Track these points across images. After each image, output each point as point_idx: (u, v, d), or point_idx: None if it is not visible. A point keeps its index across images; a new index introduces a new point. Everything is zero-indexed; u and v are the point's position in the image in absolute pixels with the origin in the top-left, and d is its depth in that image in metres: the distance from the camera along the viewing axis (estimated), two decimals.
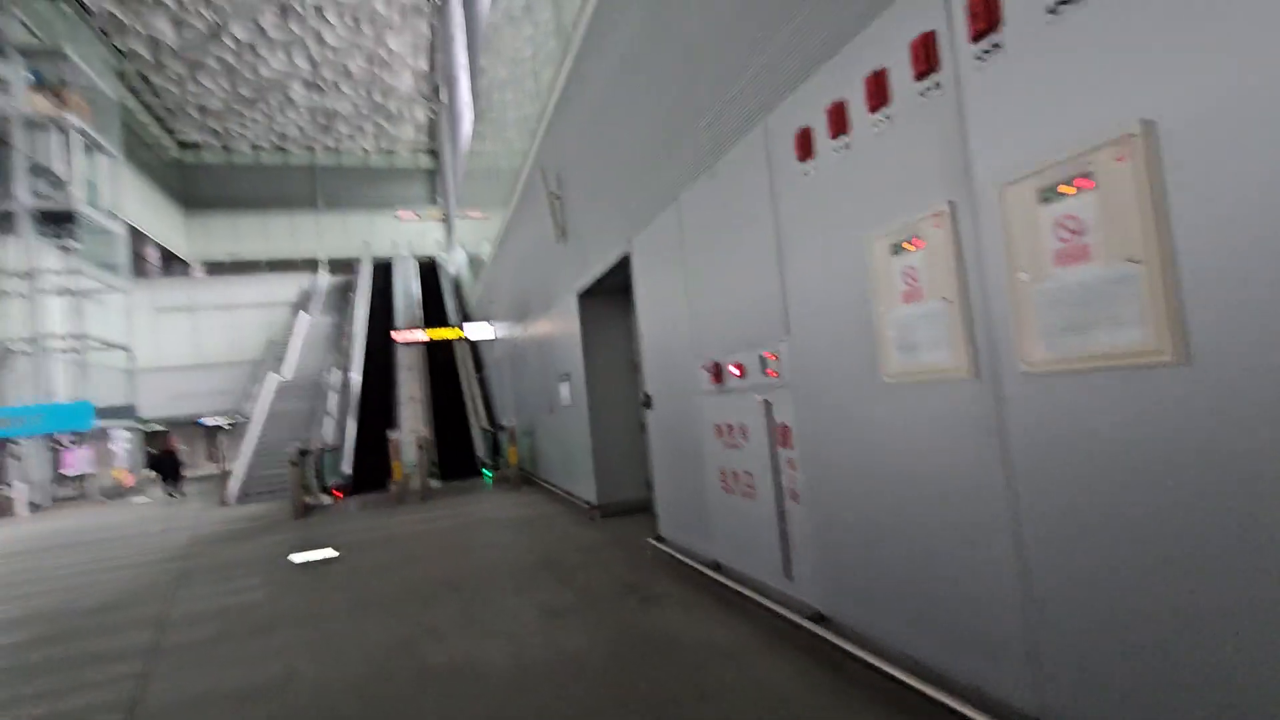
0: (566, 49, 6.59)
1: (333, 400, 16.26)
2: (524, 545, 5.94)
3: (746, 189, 3.47)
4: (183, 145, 35.27)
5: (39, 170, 17.50)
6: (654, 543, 5.11)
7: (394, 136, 35.98)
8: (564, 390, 7.85)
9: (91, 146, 19.14)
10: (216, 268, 35.71)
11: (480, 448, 14.53)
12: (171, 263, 33.93)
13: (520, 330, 11.10)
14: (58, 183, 17.72)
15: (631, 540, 5.65)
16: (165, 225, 33.09)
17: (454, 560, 5.58)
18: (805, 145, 2.90)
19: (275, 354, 20.02)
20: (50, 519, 13.90)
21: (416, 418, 15.62)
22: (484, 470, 13.08)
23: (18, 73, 17.32)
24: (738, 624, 3.45)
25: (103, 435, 18.77)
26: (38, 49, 17.82)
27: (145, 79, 27.55)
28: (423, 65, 29.08)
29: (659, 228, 4.72)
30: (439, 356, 19.05)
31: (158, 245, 31.79)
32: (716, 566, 4.16)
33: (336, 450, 13.13)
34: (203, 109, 30.72)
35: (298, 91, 29.18)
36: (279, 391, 17.11)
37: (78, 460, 18.76)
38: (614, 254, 5.71)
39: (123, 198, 21.20)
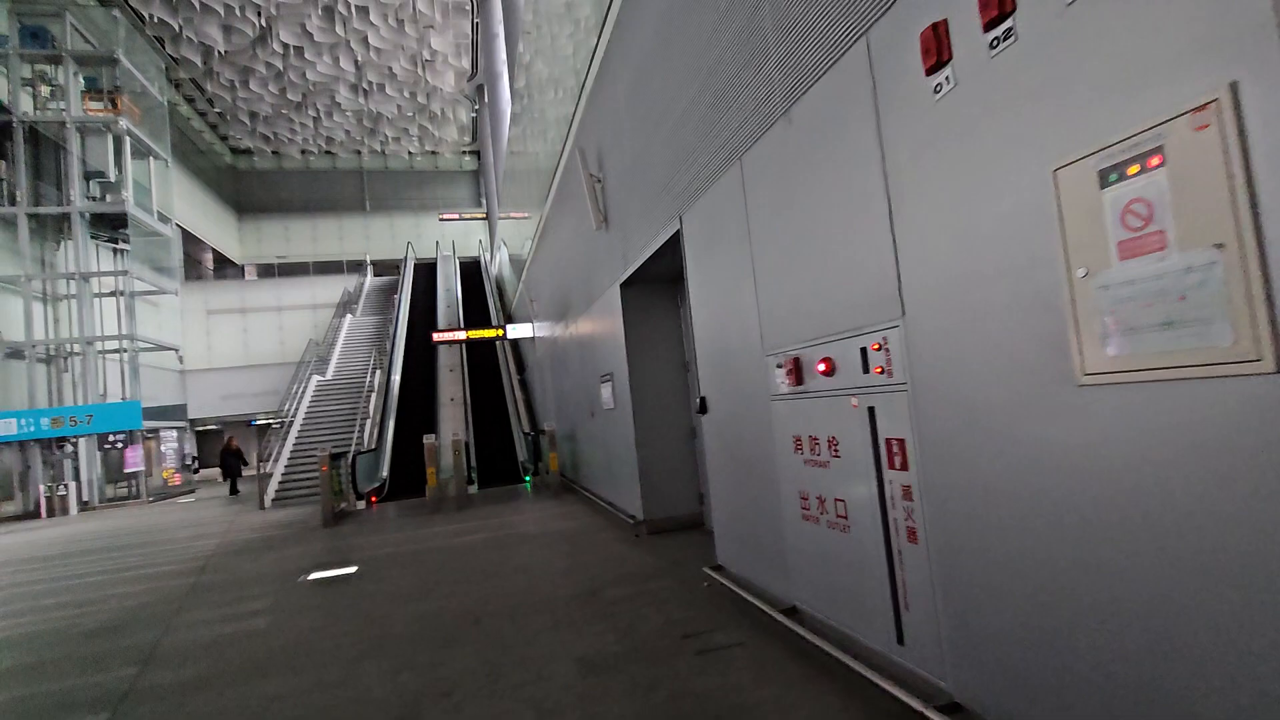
0: (605, 12, 5.87)
1: (372, 402, 15.96)
2: (561, 567, 5.23)
3: (838, 130, 2.66)
4: (235, 151, 36.10)
5: (91, 174, 17.78)
6: (711, 573, 4.32)
7: (438, 138, 36.05)
8: (606, 392, 7.13)
9: (143, 150, 19.42)
10: (268, 270, 36.49)
11: (521, 452, 13.96)
12: (225, 266, 34.76)
13: (560, 329, 10.45)
14: (110, 186, 17.98)
15: (684, 566, 4.87)
16: (219, 229, 33.90)
17: (482, 586, 4.89)
18: (938, 47, 2.07)
19: (319, 355, 19.94)
20: (96, 519, 13.94)
21: (456, 420, 15.18)
22: (524, 476, 12.50)
23: (73, 79, 17.64)
24: (829, 698, 2.63)
25: (153, 435, 19.00)
26: (91, 55, 18.12)
27: (198, 86, 28.13)
28: (465, 65, 28.92)
29: (716, 197, 3.93)
30: (480, 357, 18.64)
31: (211, 249, 32.56)
32: (793, 612, 3.35)
33: (374, 453, 12.74)
34: (253, 115, 31.28)
35: (344, 95, 29.40)
36: (319, 392, 16.93)
37: (135, 458, 19.04)
38: (661, 235, 4.94)
39: (174, 200, 21.50)
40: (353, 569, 5.89)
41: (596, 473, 8.34)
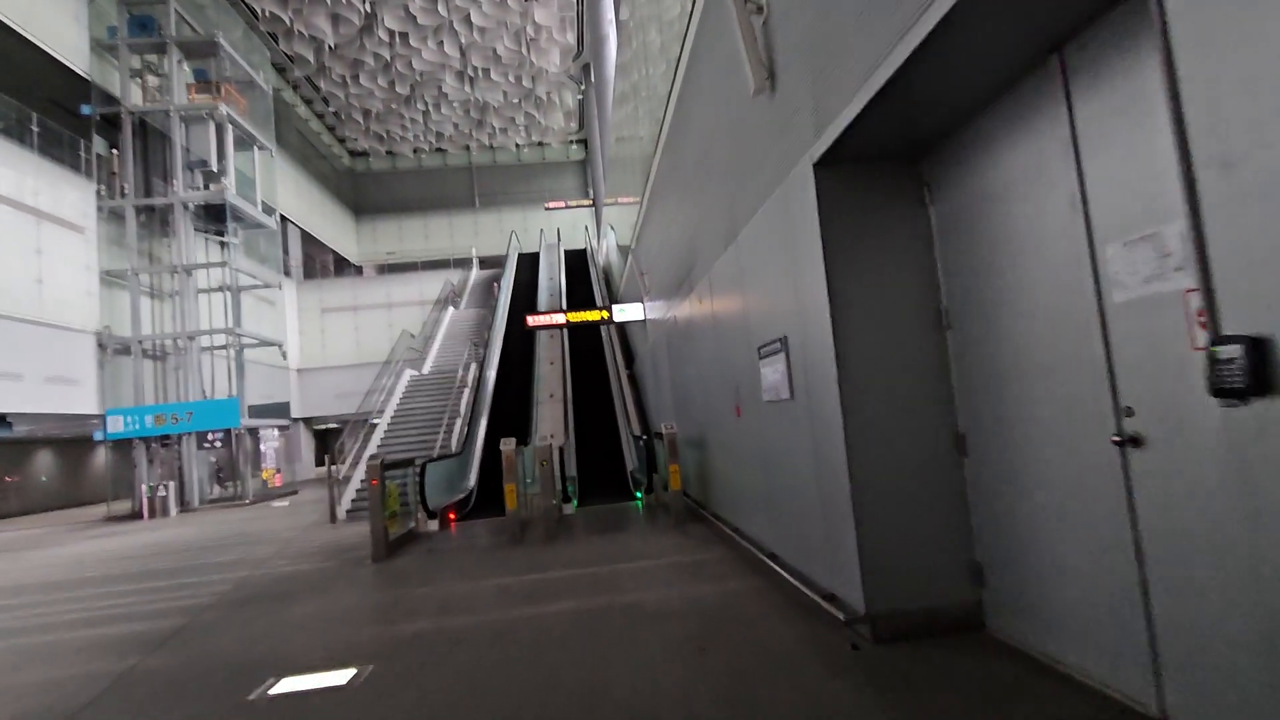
0: None
1: (465, 399, 14.05)
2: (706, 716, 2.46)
3: None
4: (353, 154, 36.63)
5: (195, 164, 17.27)
6: None
7: (544, 126, 34.69)
8: (770, 374, 4.30)
9: (247, 140, 18.88)
10: (384, 269, 36.78)
11: (630, 459, 11.38)
12: (343, 267, 35.26)
13: (681, 302, 7.75)
14: (212, 176, 17.42)
15: None
16: (338, 230, 34.37)
17: None
18: None
19: (412, 348, 18.54)
20: (185, 523, 12.89)
21: (555, 419, 12.89)
22: (635, 491, 9.91)
23: (177, 66, 17.21)
24: None
25: (284, 432, 18.36)
26: (191, 40, 17.64)
27: (313, 84, 28.20)
28: (570, 40, 27.07)
29: None
30: (583, 349, 16.35)
31: (332, 250, 32.98)
32: None
33: (457, 459, 10.64)
34: (366, 112, 31.22)
35: (450, 84, 28.51)
36: (411, 388, 15.29)
37: (271, 454, 18.51)
38: (930, 16, 2.04)
39: (278, 191, 21.00)
40: (348, 673, 3.44)
41: (746, 501, 5.51)
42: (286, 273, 27.04)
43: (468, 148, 36.80)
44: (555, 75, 29.50)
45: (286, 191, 28.68)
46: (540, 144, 37.44)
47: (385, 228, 37.16)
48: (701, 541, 6.02)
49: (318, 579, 6.02)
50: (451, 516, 9.10)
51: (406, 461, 8.18)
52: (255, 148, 19.29)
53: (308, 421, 28.13)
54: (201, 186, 17.51)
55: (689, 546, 5.85)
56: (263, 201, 19.39)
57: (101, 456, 24.60)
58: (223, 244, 18.25)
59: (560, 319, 12.16)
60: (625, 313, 12.19)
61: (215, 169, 17.29)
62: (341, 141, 34.97)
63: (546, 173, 38.26)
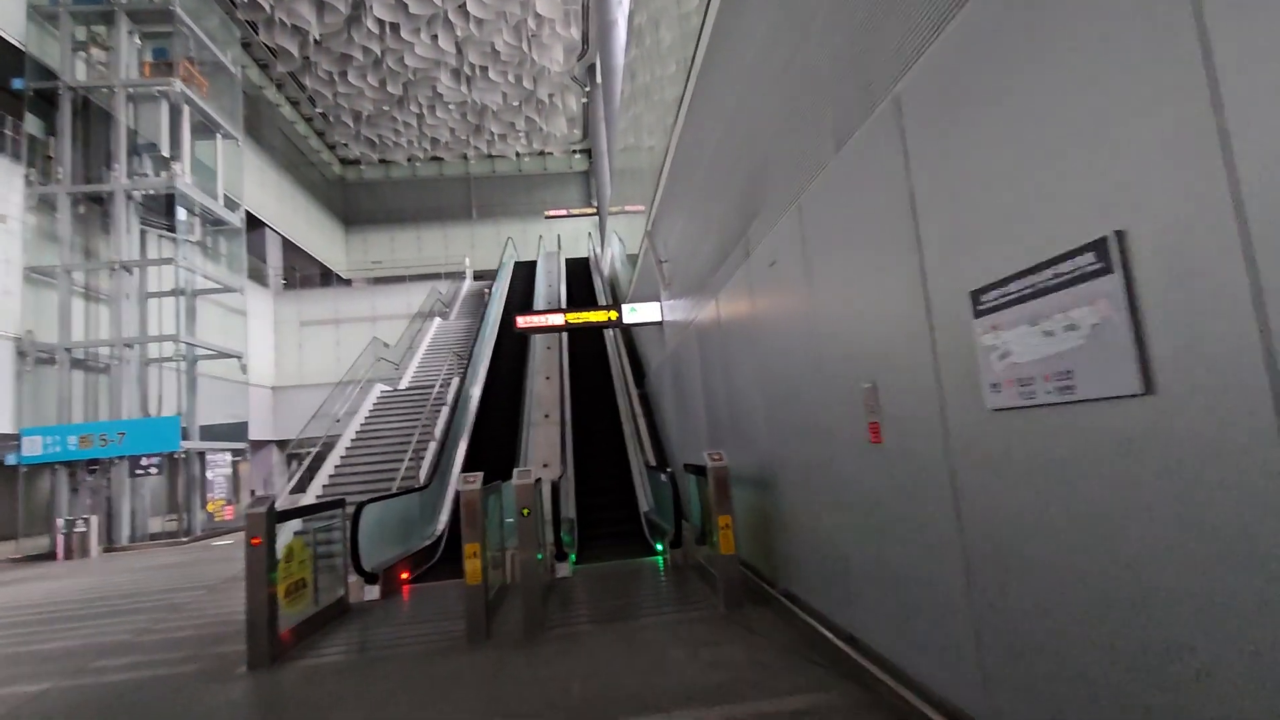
0: None
1: (443, 419, 11.64)
2: None
3: None
4: (344, 162, 34.74)
5: (142, 148, 15.12)
6: None
7: (546, 134, 32.80)
8: (1042, 340, 1.89)
9: (210, 126, 16.76)
10: (372, 280, 34.60)
11: (644, 499, 8.96)
12: (332, 280, 33.08)
13: (729, 282, 5.40)
14: (163, 163, 15.25)
15: None
16: (325, 241, 32.28)
17: None
18: None
19: (395, 361, 16.21)
20: (95, 569, 10.38)
21: (551, 445, 10.48)
22: (653, 542, 7.51)
23: (126, 38, 15.15)
24: None
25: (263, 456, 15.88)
26: (144, 9, 15.57)
27: (297, 82, 26.31)
28: (574, 35, 25.21)
29: None
30: (586, 362, 13.99)
31: (320, 263, 30.81)
32: None
33: (426, 491, 8.21)
34: (356, 115, 29.33)
35: (445, 83, 26.60)
36: (381, 406, 12.89)
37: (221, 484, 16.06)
38: None
39: (244, 186, 18.83)
40: None
41: (893, 594, 3.04)
42: (263, 281, 24.84)
43: (465, 156, 34.90)
44: (558, 75, 27.62)
45: (267, 196, 26.64)
46: (542, 153, 35.55)
47: (377, 240, 35.10)
48: (785, 654, 3.57)
49: (138, 713, 3.57)
50: (404, 576, 6.65)
51: (332, 504, 5.74)
52: (219, 135, 17.16)
53: (282, 444, 25.66)
54: (151, 175, 15.33)
55: (771, 669, 3.39)
56: (226, 195, 17.21)
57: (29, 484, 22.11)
58: (176, 241, 16.00)
59: (558, 320, 9.80)
60: (638, 313, 9.83)
61: (167, 155, 15.13)
62: (332, 148, 33.08)
63: (548, 184, 36.32)
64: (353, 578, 5.90)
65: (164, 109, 15.11)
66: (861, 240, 2.88)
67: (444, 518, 8.66)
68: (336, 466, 10.54)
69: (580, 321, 9.86)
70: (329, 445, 11.11)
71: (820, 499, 3.61)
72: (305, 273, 30.32)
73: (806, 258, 3.52)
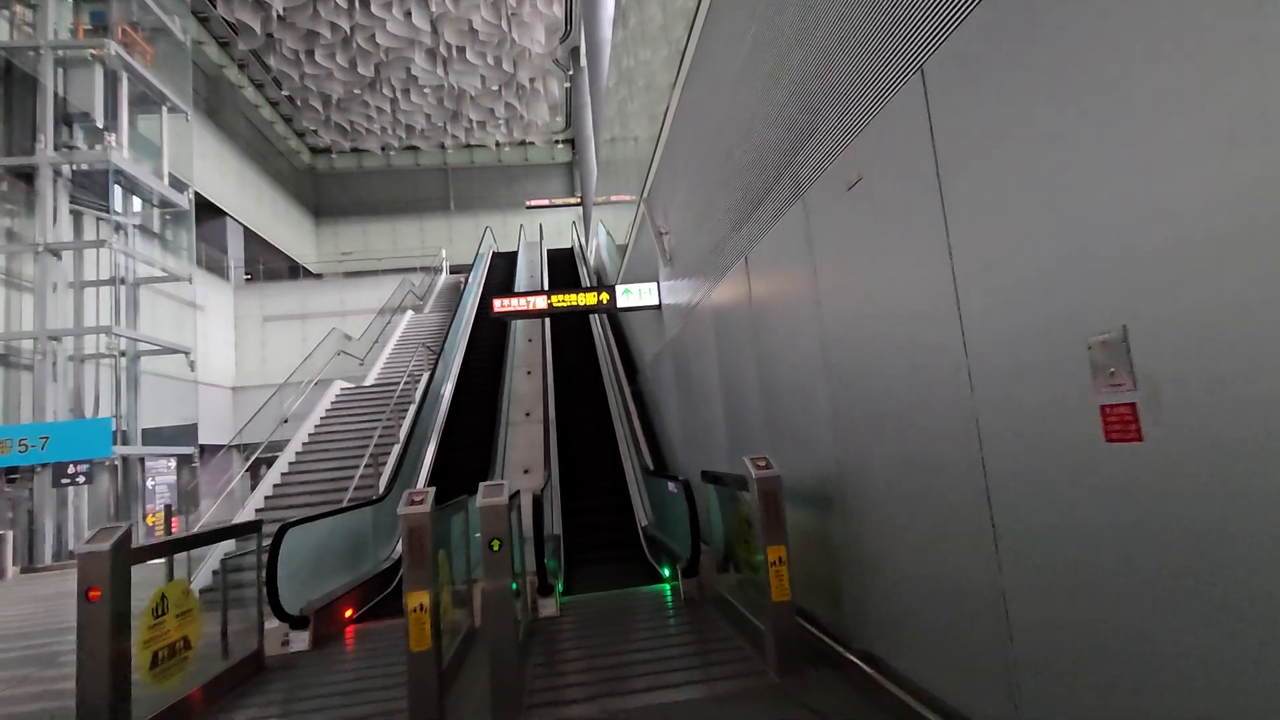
0: None
1: (410, 419, 10.24)
2: None
3: None
4: (314, 151, 33.02)
5: (74, 117, 13.53)
6: None
7: (527, 122, 31.37)
8: None
9: (154, 98, 15.17)
10: (348, 275, 32.90)
11: (642, 512, 7.68)
12: (298, 272, 31.33)
13: (761, 249, 4.13)
14: (97, 135, 13.66)
15: None
16: (294, 233, 30.55)
17: None
18: None
19: (359, 357, 14.78)
20: (5, 594, 8.83)
21: (533, 448, 9.15)
22: (657, 564, 6.26)
23: None
24: None
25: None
26: None
27: (261, 61, 24.64)
28: (557, 12, 23.85)
29: None
30: (572, 355, 12.69)
31: (284, 254, 29.06)
32: None
33: (382, 504, 6.83)
34: (325, 99, 27.68)
35: (420, 65, 25.07)
36: (340, 405, 11.47)
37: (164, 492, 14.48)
38: None
39: (194, 165, 17.24)
40: None
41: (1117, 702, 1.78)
42: (223, 274, 23.18)
43: (442, 145, 33.36)
44: (540, 57, 26.23)
45: (228, 183, 24.94)
46: (523, 143, 34.12)
47: (349, 233, 33.39)
48: None
49: None
50: (348, 614, 5.28)
51: (245, 527, 4.36)
52: (165, 109, 15.56)
53: (243, 449, 23.97)
54: (85, 149, 13.73)
55: None
56: (172, 175, 15.62)
57: None
58: (116, 224, 14.39)
59: (540, 303, 8.45)
60: (633, 296, 8.54)
61: (101, 126, 13.55)
62: (301, 135, 31.37)
63: (529, 175, 34.87)
64: (274, 623, 4.53)
65: (98, 75, 13.53)
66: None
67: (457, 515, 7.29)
68: (284, 474, 9.11)
69: (567, 305, 8.54)
70: (276, 450, 9.67)
71: (951, 526, 2.33)
72: (272, 266, 28.56)
73: (941, 154, 2.23)
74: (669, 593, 5.26)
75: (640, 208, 8.75)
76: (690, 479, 5.42)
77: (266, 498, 8.54)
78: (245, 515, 8.07)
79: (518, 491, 4.67)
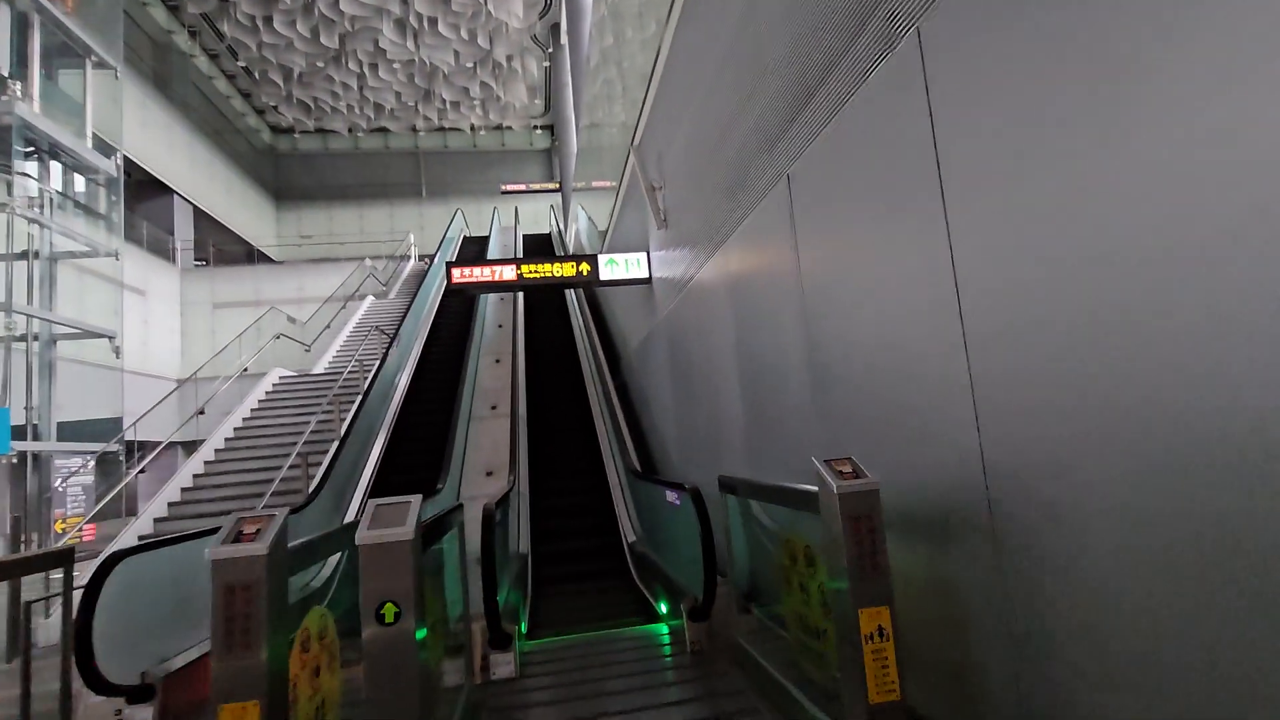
0: None
1: (354, 411, 8.77)
2: None
3: None
4: (275, 130, 31.08)
5: None
6: None
7: (504, 104, 29.81)
8: None
9: (77, 49, 13.42)
10: (310, 262, 31.03)
11: (631, 526, 6.34)
12: (256, 256, 29.37)
13: (809, 156, 2.83)
14: (1, 84, 11.91)
15: None
16: (251, 215, 28.61)
17: None
18: None
19: (306, 344, 13.24)
20: None
21: (498, 448, 7.75)
22: (653, 597, 4.94)
23: None
24: None
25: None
26: None
27: (214, 28, 22.79)
28: None
29: None
30: (547, 343, 11.30)
31: (241, 238, 27.14)
32: None
33: (303, 513, 5.38)
34: (286, 72, 25.83)
35: (389, 38, 23.40)
36: (275, 395, 9.95)
37: (80, 496, 12.72)
38: None
39: (123, 127, 15.51)
40: None
41: None
42: (168, 256, 21.34)
43: (414, 127, 31.64)
44: (518, 33, 24.72)
45: (177, 159, 23.08)
46: (500, 127, 32.54)
47: (313, 218, 31.50)
48: None
49: None
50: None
51: (47, 559, 2.93)
52: (89, 63, 13.81)
53: (188, 446, 22.10)
54: None
55: None
56: (97, 135, 13.88)
57: None
58: (18, 186, 12.62)
59: (510, 273, 7.05)
60: (619, 267, 7.18)
61: (6, 74, 11.81)
62: (260, 112, 29.44)
63: (505, 162, 33.27)
64: (96, 698, 3.11)
65: (3, 15, 11.79)
66: None
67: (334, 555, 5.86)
68: (196, 476, 7.59)
69: (540, 276, 7.15)
70: (188, 448, 8.14)
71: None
72: (227, 250, 26.59)
73: None
74: (667, 639, 3.92)
75: (629, 161, 7.39)
76: (699, 486, 4.08)
77: (171, 504, 7.02)
78: (140, 527, 6.54)
79: (459, 505, 3.29)
